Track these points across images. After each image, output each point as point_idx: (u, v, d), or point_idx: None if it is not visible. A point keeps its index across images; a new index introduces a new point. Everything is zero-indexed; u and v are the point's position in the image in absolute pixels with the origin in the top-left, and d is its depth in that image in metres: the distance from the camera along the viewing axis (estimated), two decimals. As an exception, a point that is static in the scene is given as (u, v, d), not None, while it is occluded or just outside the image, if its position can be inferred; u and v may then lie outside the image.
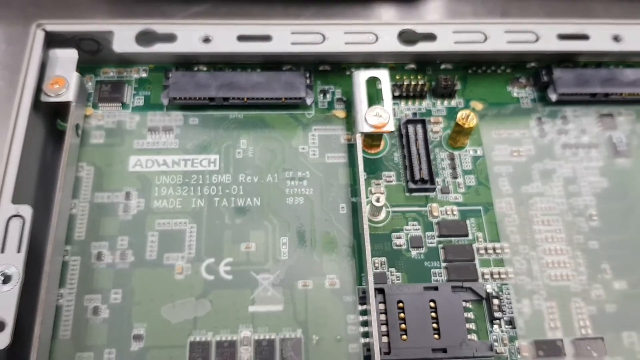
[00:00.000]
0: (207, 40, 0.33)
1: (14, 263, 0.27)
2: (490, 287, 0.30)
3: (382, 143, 0.34)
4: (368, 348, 0.29)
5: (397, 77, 0.35)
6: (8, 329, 0.26)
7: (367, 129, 0.32)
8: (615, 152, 0.34)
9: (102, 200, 0.32)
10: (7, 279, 0.27)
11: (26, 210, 0.28)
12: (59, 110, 0.33)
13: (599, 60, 0.36)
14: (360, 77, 0.33)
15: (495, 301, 0.30)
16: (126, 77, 0.35)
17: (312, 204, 0.32)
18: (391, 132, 0.32)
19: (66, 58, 0.32)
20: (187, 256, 0.31)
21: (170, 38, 0.33)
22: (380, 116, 0.32)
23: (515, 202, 0.33)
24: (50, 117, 0.33)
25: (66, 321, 0.29)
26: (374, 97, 0.33)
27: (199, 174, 0.33)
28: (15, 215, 0.28)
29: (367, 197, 0.31)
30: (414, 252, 0.31)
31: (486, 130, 0.35)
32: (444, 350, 0.29)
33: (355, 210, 0.32)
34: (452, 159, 0.34)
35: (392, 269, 0.31)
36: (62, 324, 0.29)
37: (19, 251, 0.27)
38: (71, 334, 0.29)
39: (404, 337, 0.29)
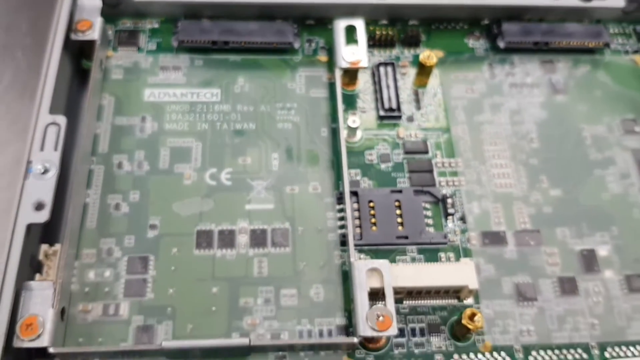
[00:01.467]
0: (211, -7, 0.40)
1: (52, 159, 0.33)
2: (445, 191, 0.36)
3: (358, 82, 0.40)
4: (344, 235, 0.35)
5: (371, 29, 0.41)
6: (47, 208, 0.31)
7: (344, 65, 0.38)
8: (554, 90, 0.41)
9: (121, 123, 0.38)
10: (46, 170, 0.32)
11: (61, 119, 0.34)
12: (84, 51, 0.39)
13: (542, 16, 0.43)
14: (340, 24, 0.39)
15: (449, 201, 0.36)
16: (141, 27, 0.41)
17: (299, 128, 0.38)
18: (365, 67, 0.38)
19: (92, 6, 0.39)
20: (193, 166, 0.36)
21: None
22: (355, 54, 0.38)
23: (469, 128, 0.39)
24: (77, 57, 0.39)
25: (92, 214, 0.35)
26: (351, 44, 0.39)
27: (203, 104, 0.39)
28: (52, 123, 0.34)
29: (344, 122, 0.37)
30: (383, 165, 0.37)
31: (445, 74, 0.41)
32: (406, 237, 0.35)
33: (334, 133, 0.38)
34: (416, 94, 0.40)
35: (365, 178, 0.37)
36: (89, 217, 0.35)
37: (55, 150, 0.33)
38: (96, 224, 0.34)
39: (374, 228, 0.35)
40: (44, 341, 0.29)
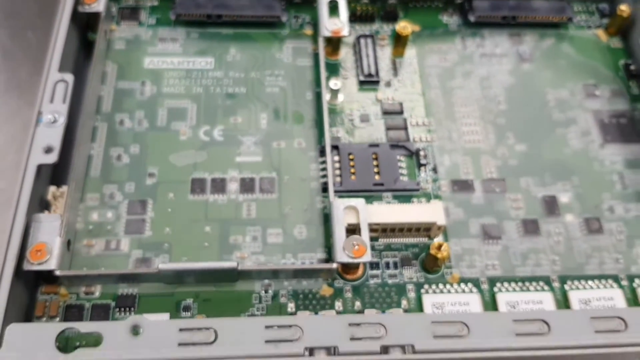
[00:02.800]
0: (205, -29, 0.44)
1: (61, 110, 0.36)
2: (418, 146, 0.40)
3: (340, 52, 0.44)
4: (325, 183, 0.38)
5: (353, 6, 0.45)
6: (56, 151, 0.35)
7: (327, 33, 0.42)
8: (520, 59, 0.44)
9: (123, 86, 0.41)
10: (55, 120, 0.36)
11: (69, 77, 0.38)
12: (90, 24, 0.43)
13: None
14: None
15: (422, 154, 0.39)
16: (142, 4, 0.45)
17: (285, 92, 0.42)
18: (345, 36, 0.42)
19: None
20: (188, 124, 0.40)
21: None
22: (337, 24, 0.42)
23: (441, 92, 0.42)
24: (83, 30, 0.43)
25: (96, 164, 0.38)
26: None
27: (197, 70, 0.42)
28: (60, 80, 0.38)
29: (327, 86, 0.41)
30: (362, 124, 0.41)
31: (421, 46, 0.45)
32: (382, 184, 0.38)
33: (318, 96, 0.42)
34: (394, 63, 0.44)
35: (345, 135, 0.40)
36: (93, 166, 0.38)
37: (64, 102, 0.37)
38: (100, 174, 0.38)
39: (353, 177, 0.38)
40: (51, 264, 0.32)
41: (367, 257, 0.33)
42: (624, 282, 0.36)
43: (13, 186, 0.34)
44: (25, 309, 0.33)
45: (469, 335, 0.31)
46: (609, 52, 0.45)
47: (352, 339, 0.30)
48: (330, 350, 0.30)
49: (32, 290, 0.34)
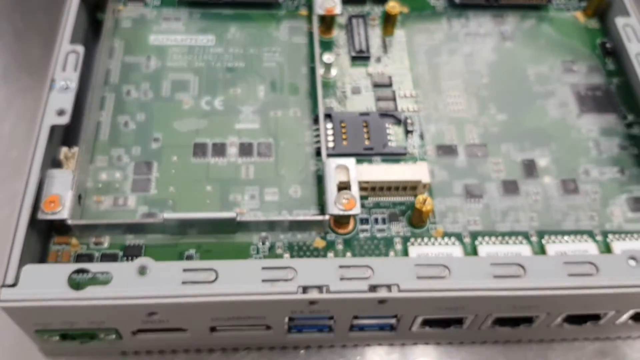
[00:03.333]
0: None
1: (72, 77, 0.39)
2: (406, 115, 0.43)
3: (333, 31, 0.47)
4: (318, 148, 0.40)
5: (345, -11, 0.48)
6: (68, 113, 0.37)
7: (320, 12, 0.45)
8: (503, 38, 0.47)
9: (129, 61, 0.44)
10: (67, 86, 0.39)
11: (80, 48, 0.40)
12: (99, 4, 0.45)
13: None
14: (317, -19, 0.46)
15: (409, 121, 0.42)
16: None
17: (282, 66, 0.45)
18: (338, 14, 0.45)
19: None
20: (191, 94, 0.43)
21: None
22: (330, 3, 0.45)
23: (428, 67, 0.45)
24: (92, 11, 0.46)
25: (104, 130, 0.41)
26: None
27: (200, 47, 0.45)
28: (72, 52, 0.40)
29: (320, 60, 0.44)
30: (354, 96, 0.43)
31: (409, 26, 0.47)
32: (371, 149, 0.41)
33: (313, 71, 0.44)
34: (384, 41, 0.46)
35: (338, 105, 0.43)
36: (102, 132, 0.41)
37: (75, 70, 0.39)
38: (108, 138, 0.40)
39: (344, 143, 0.41)
40: (64, 214, 0.35)
41: (357, 210, 0.36)
42: (599, 238, 0.38)
43: (27, 152, 0.36)
44: (38, 258, 0.35)
45: (450, 276, 0.33)
46: (586, 32, 0.48)
47: (342, 279, 0.33)
48: (322, 289, 0.32)
49: (45, 241, 0.36)
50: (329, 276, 0.33)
